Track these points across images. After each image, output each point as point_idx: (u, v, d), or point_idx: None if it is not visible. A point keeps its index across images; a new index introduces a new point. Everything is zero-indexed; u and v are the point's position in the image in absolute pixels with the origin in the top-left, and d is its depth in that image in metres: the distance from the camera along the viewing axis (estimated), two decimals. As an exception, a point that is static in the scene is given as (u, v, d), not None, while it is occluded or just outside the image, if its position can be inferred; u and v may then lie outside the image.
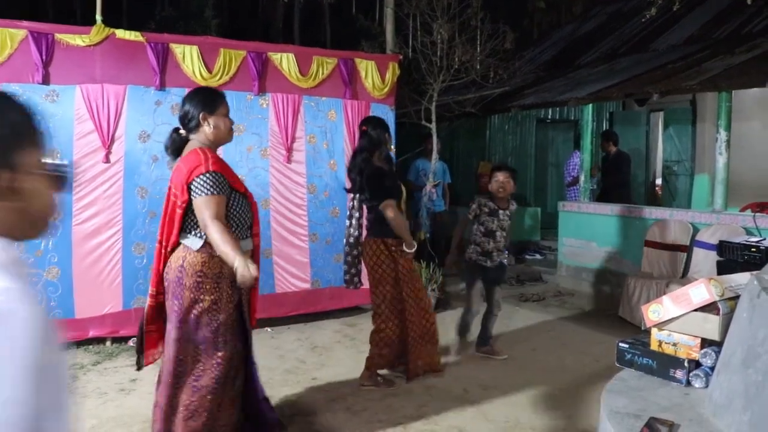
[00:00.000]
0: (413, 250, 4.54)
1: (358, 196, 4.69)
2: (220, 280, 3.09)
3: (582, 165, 8.05)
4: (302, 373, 4.89)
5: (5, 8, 5.96)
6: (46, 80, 5.14)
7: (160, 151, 5.51)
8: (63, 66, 5.20)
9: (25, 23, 5.10)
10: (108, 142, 5.32)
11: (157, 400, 3.24)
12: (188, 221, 3.13)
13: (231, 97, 5.75)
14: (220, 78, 5.76)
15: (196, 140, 3.18)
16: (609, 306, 6.77)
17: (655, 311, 2.90)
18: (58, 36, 5.17)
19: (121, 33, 5.39)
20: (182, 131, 3.22)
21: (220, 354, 3.14)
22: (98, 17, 5.35)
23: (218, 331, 3.12)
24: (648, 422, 2.51)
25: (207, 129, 3.16)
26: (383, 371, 4.71)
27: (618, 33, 10.21)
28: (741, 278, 2.79)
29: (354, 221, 4.73)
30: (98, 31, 5.28)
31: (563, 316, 6.74)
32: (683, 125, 9.58)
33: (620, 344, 3.24)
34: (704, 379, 2.68)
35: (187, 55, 5.64)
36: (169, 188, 3.20)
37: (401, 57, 7.10)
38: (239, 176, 3.42)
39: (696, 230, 6.28)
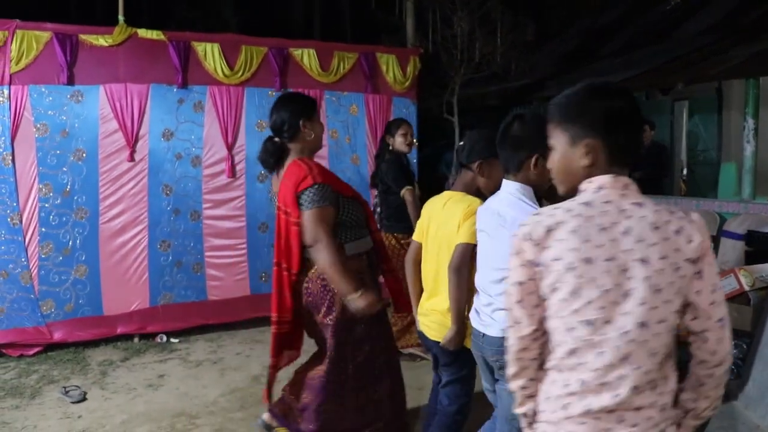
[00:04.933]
0: None
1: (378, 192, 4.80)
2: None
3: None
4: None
5: (29, 10, 6.01)
6: (71, 81, 5.19)
7: (184, 149, 5.61)
8: (87, 66, 5.25)
9: (50, 25, 5.15)
10: (132, 141, 5.37)
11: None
12: None
13: (253, 93, 5.84)
14: (242, 75, 5.78)
15: (294, 149, 3.07)
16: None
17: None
18: (82, 37, 5.23)
19: (143, 32, 5.42)
20: (277, 139, 3.10)
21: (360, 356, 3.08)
22: (120, 17, 5.39)
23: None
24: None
25: (307, 136, 3.05)
26: (408, 350, 4.83)
27: (641, 22, 10.07)
28: (772, 268, 2.75)
29: (375, 216, 4.77)
30: (121, 31, 5.32)
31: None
32: (709, 114, 9.41)
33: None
34: (735, 370, 2.65)
35: (209, 53, 5.66)
36: (278, 208, 3.07)
37: (422, 51, 7.07)
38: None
39: (723, 220, 6.18)
